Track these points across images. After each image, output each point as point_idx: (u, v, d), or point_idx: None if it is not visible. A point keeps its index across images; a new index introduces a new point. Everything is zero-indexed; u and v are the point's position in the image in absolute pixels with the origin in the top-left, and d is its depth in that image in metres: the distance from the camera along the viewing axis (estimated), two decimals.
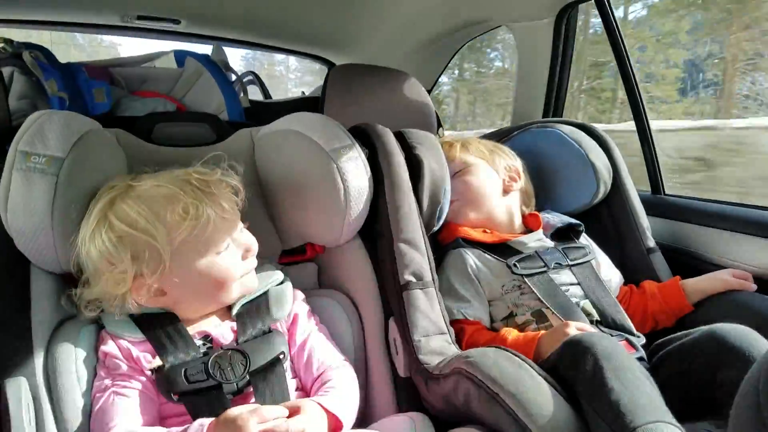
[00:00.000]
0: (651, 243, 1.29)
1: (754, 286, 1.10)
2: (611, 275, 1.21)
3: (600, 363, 0.70)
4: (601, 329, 1.02)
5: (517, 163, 1.30)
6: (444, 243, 1.20)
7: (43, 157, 0.80)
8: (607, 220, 1.36)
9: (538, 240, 1.17)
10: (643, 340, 1.04)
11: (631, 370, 0.70)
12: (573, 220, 1.23)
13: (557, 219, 1.23)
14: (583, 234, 1.24)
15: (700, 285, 1.14)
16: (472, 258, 1.12)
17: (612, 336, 0.99)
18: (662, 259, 1.28)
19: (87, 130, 0.88)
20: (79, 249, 0.81)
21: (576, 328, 0.92)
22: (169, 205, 0.80)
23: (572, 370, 0.73)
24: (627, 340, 1.00)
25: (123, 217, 0.79)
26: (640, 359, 0.96)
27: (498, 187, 1.24)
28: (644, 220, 1.32)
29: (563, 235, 1.21)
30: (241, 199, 0.90)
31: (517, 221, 1.25)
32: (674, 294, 1.13)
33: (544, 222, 1.23)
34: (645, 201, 1.36)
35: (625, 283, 1.23)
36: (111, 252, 0.79)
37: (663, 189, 1.49)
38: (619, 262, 1.26)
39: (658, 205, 1.43)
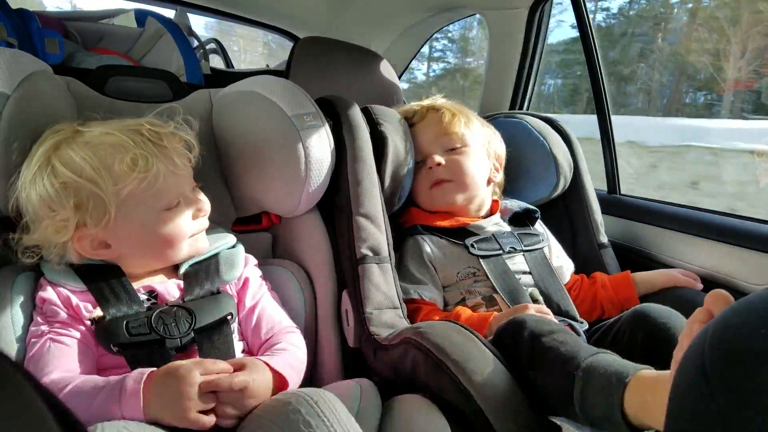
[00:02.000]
0: (603, 239, 1.33)
1: (700, 285, 1.14)
2: (563, 262, 1.23)
3: (535, 332, 0.73)
4: None
5: (503, 153, 1.28)
6: (405, 226, 1.19)
7: None
8: (562, 213, 1.38)
9: (495, 224, 1.18)
10: (585, 326, 1.07)
11: (561, 332, 0.73)
12: (530, 206, 1.25)
13: (515, 204, 1.24)
14: (539, 221, 1.25)
15: (649, 278, 1.18)
16: (429, 245, 1.12)
17: (555, 319, 1.02)
18: (612, 255, 1.32)
19: (36, 70, 0.83)
20: (19, 192, 0.77)
21: (535, 311, 0.94)
22: (117, 154, 0.76)
23: (513, 345, 0.75)
24: (570, 325, 1.03)
25: (68, 162, 0.75)
26: None
27: (485, 175, 1.22)
28: (598, 216, 1.35)
29: (519, 221, 1.23)
30: (195, 156, 0.87)
31: (485, 209, 1.24)
32: (624, 285, 1.17)
33: (501, 206, 1.23)
34: (601, 199, 1.40)
35: (576, 273, 1.25)
36: (53, 198, 0.75)
37: (619, 189, 1.52)
38: (571, 255, 1.29)
39: (613, 204, 1.47)
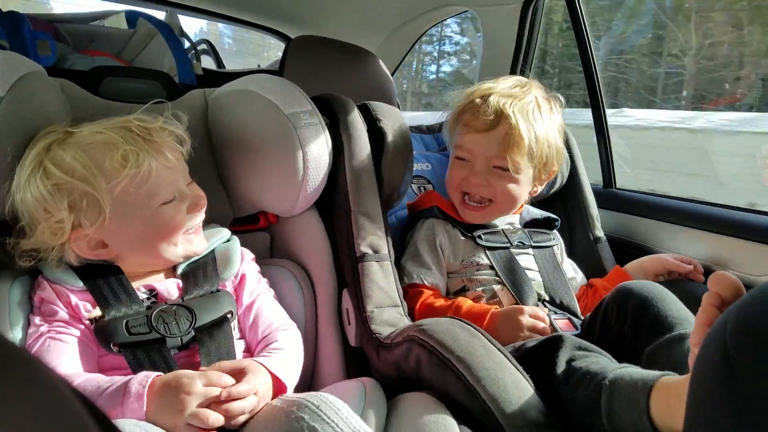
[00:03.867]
0: (599, 233, 1.33)
1: (690, 268, 1.14)
2: (574, 274, 1.22)
3: (570, 354, 0.73)
4: (548, 308, 1.05)
5: (557, 167, 1.19)
6: (419, 208, 1.19)
7: None
8: (558, 209, 1.38)
9: (508, 223, 1.18)
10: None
11: (595, 354, 0.73)
12: (552, 215, 1.24)
13: (537, 212, 1.23)
14: (556, 230, 1.24)
15: (640, 264, 1.18)
16: (441, 230, 1.13)
17: (556, 314, 1.03)
18: (608, 249, 1.32)
19: (29, 71, 0.82)
20: (14, 196, 0.76)
21: (529, 315, 0.94)
22: (108, 152, 0.75)
23: (550, 363, 0.73)
24: (569, 319, 1.03)
25: (59, 163, 0.75)
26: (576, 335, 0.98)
27: (527, 194, 1.16)
28: (594, 210, 1.35)
29: (536, 225, 1.22)
30: (187, 149, 0.86)
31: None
32: (620, 279, 1.15)
33: (524, 211, 1.22)
34: (597, 194, 1.40)
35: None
36: (47, 200, 0.74)
37: (615, 183, 1.53)
38: (568, 251, 1.29)
39: (609, 198, 1.47)
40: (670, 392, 0.58)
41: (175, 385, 0.66)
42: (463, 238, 1.12)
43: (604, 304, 0.92)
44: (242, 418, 0.68)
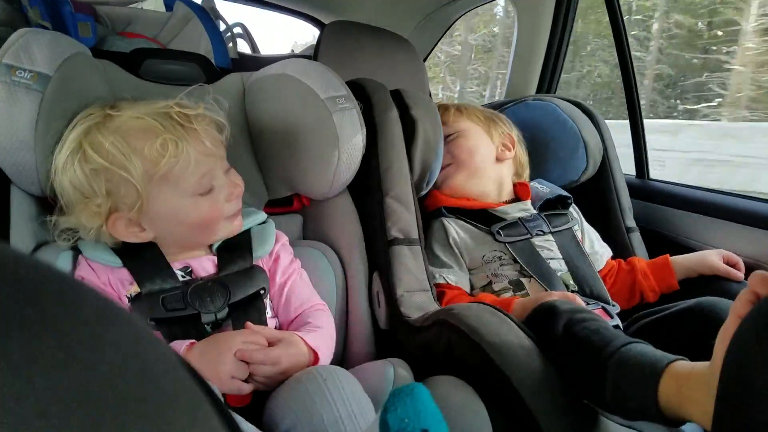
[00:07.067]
0: (631, 223, 1.31)
1: (742, 276, 1.09)
2: (597, 248, 1.22)
3: (567, 320, 0.72)
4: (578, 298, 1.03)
5: (513, 132, 1.29)
6: (428, 210, 1.20)
7: (29, 73, 0.76)
8: (591, 197, 1.37)
9: (522, 210, 1.18)
10: (618, 308, 1.06)
11: (593, 320, 0.72)
12: (563, 192, 1.23)
13: (548, 190, 1.23)
14: (573, 206, 1.24)
15: (688, 263, 1.13)
16: (454, 228, 1.12)
17: (589, 304, 1.01)
18: (640, 239, 1.30)
19: (75, 52, 0.84)
20: (53, 175, 0.78)
21: (559, 297, 0.93)
22: (147, 139, 0.75)
23: (545, 332, 0.74)
24: (603, 308, 1.02)
25: (98, 148, 0.75)
26: (615, 327, 0.97)
27: (491, 154, 1.23)
28: (627, 200, 1.34)
29: (551, 206, 1.22)
30: (226, 137, 0.86)
31: (506, 190, 1.24)
32: (665, 272, 1.14)
33: (533, 193, 1.23)
34: (630, 184, 1.38)
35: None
36: (84, 184, 0.75)
37: (648, 174, 1.51)
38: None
39: (642, 188, 1.45)
40: (681, 379, 0.57)
41: (215, 340, 0.70)
42: (479, 231, 1.12)
43: (677, 310, 0.90)
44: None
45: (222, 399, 0.65)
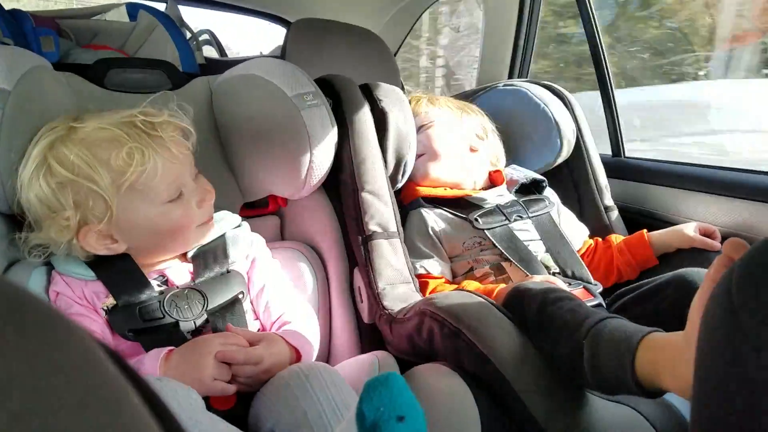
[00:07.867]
0: (609, 202, 1.32)
1: (718, 245, 1.10)
2: (574, 229, 1.23)
3: (541, 301, 0.73)
4: (560, 279, 1.04)
5: (485, 121, 1.29)
6: (406, 202, 1.20)
7: None
8: (567, 179, 1.38)
9: (499, 195, 1.18)
10: (600, 288, 1.06)
11: (567, 299, 0.72)
12: (537, 176, 1.24)
13: (521, 174, 1.24)
14: (548, 188, 1.25)
15: (664, 237, 1.15)
16: (432, 217, 1.13)
17: (570, 285, 1.02)
18: (619, 218, 1.31)
19: (35, 65, 0.83)
20: (19, 192, 0.76)
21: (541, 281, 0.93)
22: (112, 149, 0.74)
23: (521, 314, 0.75)
24: (585, 287, 1.03)
25: (63, 161, 0.74)
26: (598, 305, 0.98)
27: (464, 144, 1.23)
28: (603, 179, 1.34)
29: (527, 190, 1.22)
30: (193, 143, 0.85)
31: (481, 179, 1.25)
32: (640, 246, 1.15)
33: (507, 178, 1.23)
34: (606, 163, 1.39)
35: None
36: (50, 198, 0.74)
37: (623, 152, 1.52)
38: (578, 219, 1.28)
39: (618, 167, 1.46)
40: (657, 351, 0.58)
41: (193, 345, 0.69)
42: (458, 219, 1.12)
43: (656, 283, 0.91)
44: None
45: (203, 402, 0.64)
